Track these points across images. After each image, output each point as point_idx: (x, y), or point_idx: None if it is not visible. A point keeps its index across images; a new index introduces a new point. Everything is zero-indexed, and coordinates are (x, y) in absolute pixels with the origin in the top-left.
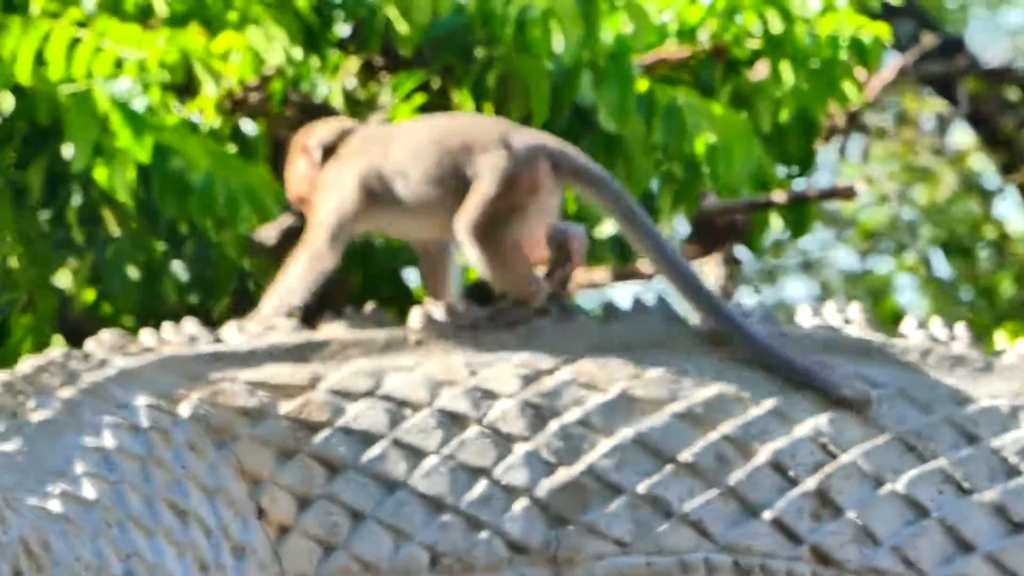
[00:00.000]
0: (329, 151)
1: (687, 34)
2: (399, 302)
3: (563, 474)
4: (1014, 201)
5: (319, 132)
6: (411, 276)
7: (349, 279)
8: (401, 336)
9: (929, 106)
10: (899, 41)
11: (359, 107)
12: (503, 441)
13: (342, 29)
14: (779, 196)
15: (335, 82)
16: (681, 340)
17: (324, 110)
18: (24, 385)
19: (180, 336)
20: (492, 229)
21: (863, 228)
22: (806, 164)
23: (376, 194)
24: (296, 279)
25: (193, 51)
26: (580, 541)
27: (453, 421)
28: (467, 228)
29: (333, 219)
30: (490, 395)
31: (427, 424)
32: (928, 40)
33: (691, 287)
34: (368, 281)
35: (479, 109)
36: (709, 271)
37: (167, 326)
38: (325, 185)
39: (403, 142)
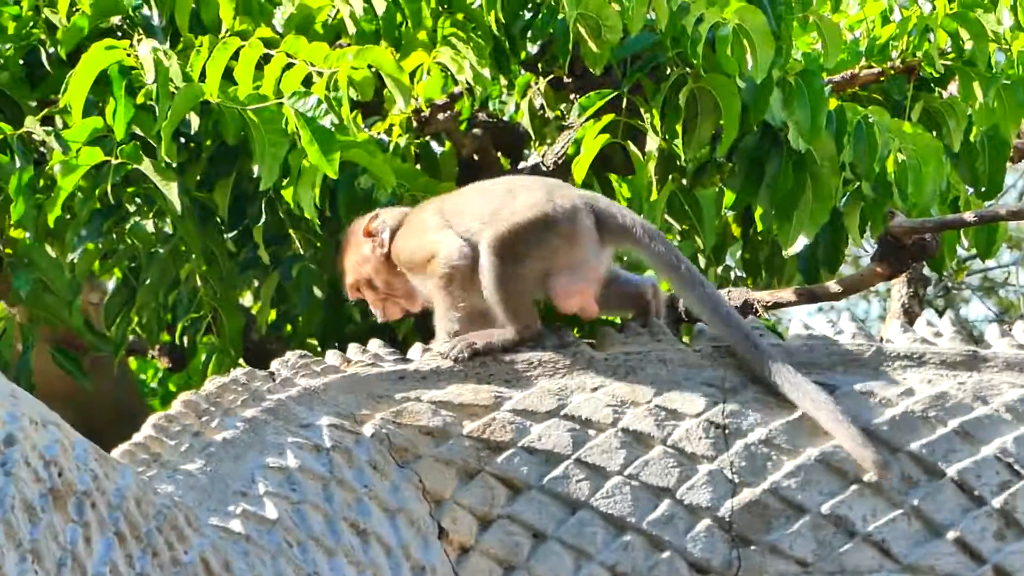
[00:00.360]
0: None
1: (878, 52)
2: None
3: (747, 494)
4: None
5: (381, 217)
6: None
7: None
8: (586, 356)
9: None
10: None
11: (546, 126)
12: (687, 461)
13: (531, 48)
14: (970, 216)
15: (523, 101)
16: (868, 359)
17: (511, 129)
18: (208, 404)
19: (364, 356)
20: (512, 249)
21: None
22: (995, 184)
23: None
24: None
25: (383, 68)
26: (762, 561)
27: (637, 441)
28: (488, 240)
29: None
30: (674, 415)
31: (610, 444)
32: None
33: (747, 341)
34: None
35: (668, 127)
36: (896, 291)
37: (352, 346)
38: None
39: (460, 194)
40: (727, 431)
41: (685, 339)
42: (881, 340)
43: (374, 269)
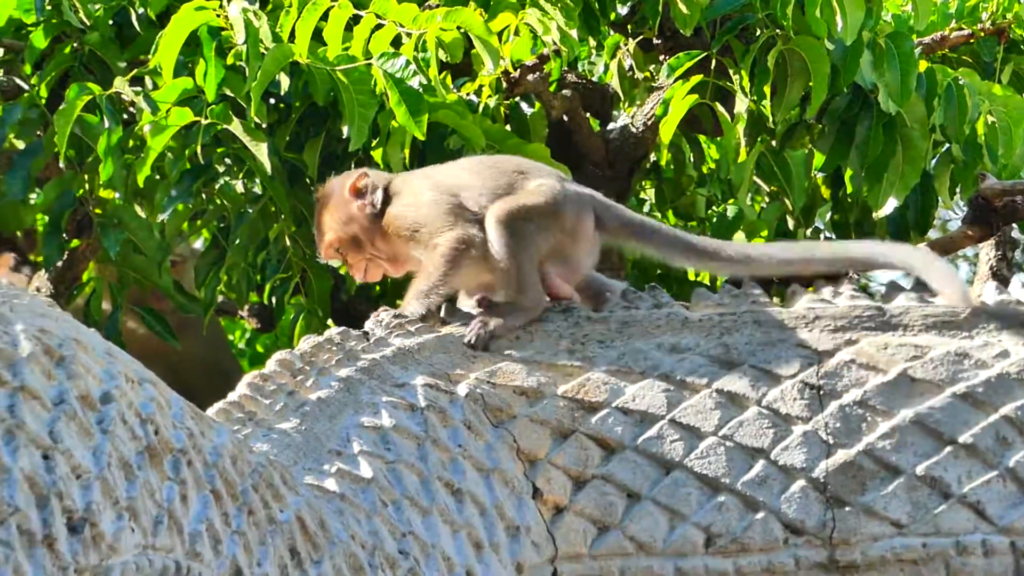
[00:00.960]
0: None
1: (968, 14)
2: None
3: (841, 455)
4: None
5: (371, 177)
6: None
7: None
8: (680, 317)
9: None
10: None
11: (635, 87)
12: (781, 422)
13: (620, 9)
14: None
15: (612, 62)
16: (962, 321)
17: (600, 90)
18: (303, 363)
19: (456, 316)
20: (521, 226)
21: None
22: None
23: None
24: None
25: (472, 30)
26: (857, 522)
27: (731, 402)
28: (497, 212)
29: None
30: (769, 376)
31: (705, 405)
32: None
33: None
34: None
35: (757, 89)
36: (985, 254)
37: (444, 306)
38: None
39: (456, 166)
40: (821, 392)
41: (778, 300)
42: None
43: (361, 229)
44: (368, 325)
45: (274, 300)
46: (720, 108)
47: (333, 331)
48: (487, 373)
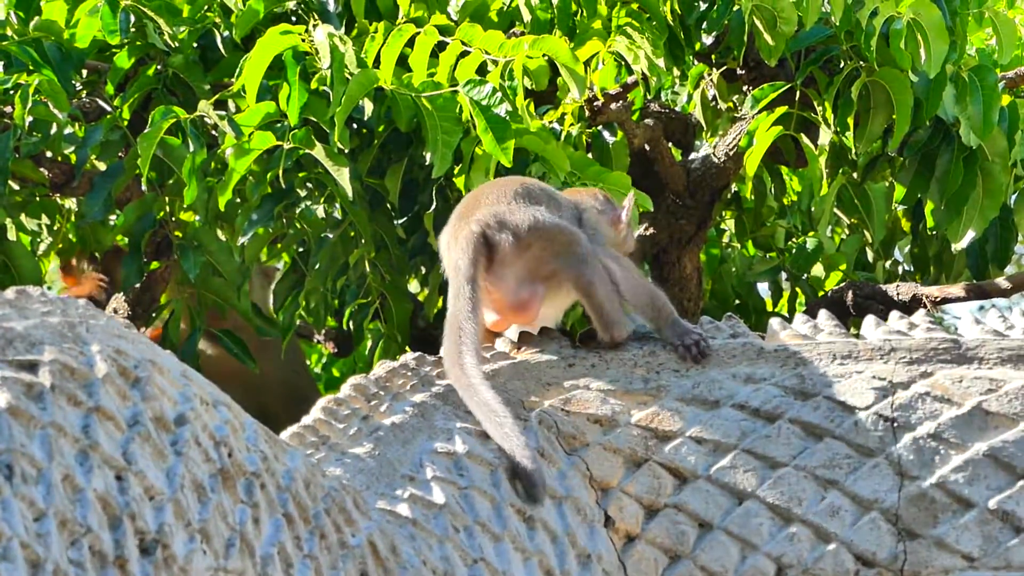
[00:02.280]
0: None
1: None
2: (749, 313)
3: (914, 487)
4: None
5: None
6: (763, 288)
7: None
8: (756, 347)
9: None
10: None
11: (718, 117)
12: (855, 453)
13: (705, 39)
14: None
15: (695, 92)
16: None
17: (683, 120)
18: (377, 388)
19: (532, 345)
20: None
21: None
22: None
23: None
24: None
25: (559, 58)
26: (928, 555)
27: (806, 432)
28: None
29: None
30: (843, 407)
31: (779, 435)
32: None
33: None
34: (719, 292)
35: (840, 120)
36: None
37: (519, 333)
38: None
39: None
40: (895, 424)
41: (854, 332)
42: None
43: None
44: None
45: (352, 325)
46: (804, 139)
47: (408, 356)
48: (561, 400)
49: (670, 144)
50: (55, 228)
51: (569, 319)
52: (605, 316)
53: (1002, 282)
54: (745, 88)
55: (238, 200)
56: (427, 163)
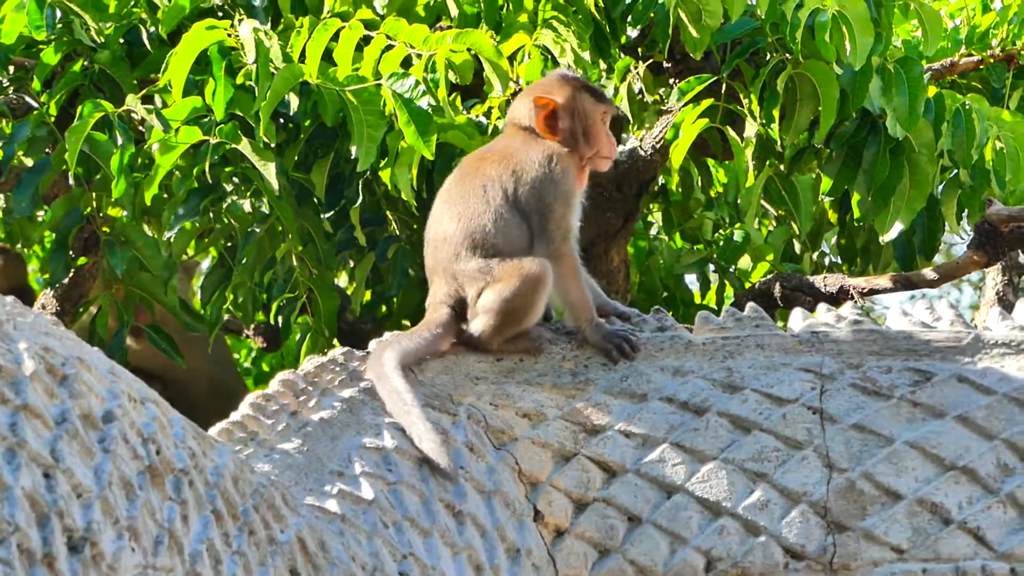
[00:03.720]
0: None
1: (978, 40)
2: (677, 305)
3: (842, 479)
4: None
5: None
6: (691, 280)
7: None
8: (684, 340)
9: None
10: None
11: (645, 110)
12: (783, 446)
13: (631, 32)
14: None
15: (622, 85)
16: (966, 347)
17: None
18: (306, 384)
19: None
20: None
21: None
22: None
23: None
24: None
25: (482, 52)
26: (857, 547)
27: (734, 425)
28: None
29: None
30: (772, 399)
31: (707, 428)
32: None
33: None
34: (647, 284)
35: (767, 113)
36: (991, 279)
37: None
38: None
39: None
40: (824, 416)
41: (781, 324)
42: (978, 328)
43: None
44: (372, 345)
45: (280, 320)
46: (730, 132)
47: (336, 351)
48: (490, 395)
49: None
50: None
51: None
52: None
53: (929, 273)
54: (671, 81)
55: (165, 195)
56: (353, 157)
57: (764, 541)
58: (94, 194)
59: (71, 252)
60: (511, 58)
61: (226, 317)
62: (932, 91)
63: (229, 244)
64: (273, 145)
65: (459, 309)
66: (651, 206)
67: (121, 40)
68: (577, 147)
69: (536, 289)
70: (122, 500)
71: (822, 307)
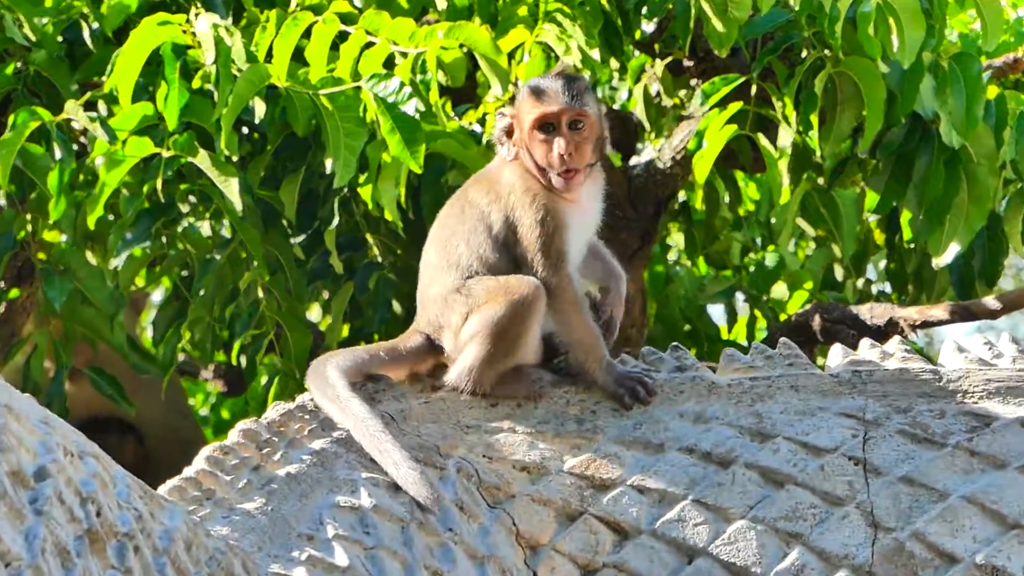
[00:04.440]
0: None
1: None
2: (701, 340)
3: (889, 540)
4: None
5: None
6: (717, 312)
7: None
8: (707, 381)
9: None
10: None
11: (663, 116)
12: (821, 502)
13: (646, 26)
14: None
15: (636, 87)
16: None
17: (623, 119)
18: (270, 434)
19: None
20: None
21: None
22: None
23: None
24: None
25: (477, 48)
26: None
27: (764, 479)
28: None
29: None
30: (807, 449)
31: (734, 482)
32: None
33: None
34: (666, 316)
35: (803, 118)
36: None
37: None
38: None
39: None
40: (867, 468)
41: (819, 363)
42: None
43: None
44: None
45: (244, 360)
46: (762, 140)
47: (306, 397)
48: (483, 445)
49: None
50: None
51: None
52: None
53: (990, 302)
54: (693, 82)
55: (111, 217)
56: (328, 172)
57: None
58: (28, 216)
59: (1, 283)
60: (509, 57)
61: (181, 357)
62: (993, 92)
63: (185, 273)
64: (236, 159)
65: (436, 339)
66: (670, 226)
67: (60, 38)
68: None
69: (527, 311)
70: (57, 569)
71: (866, 342)
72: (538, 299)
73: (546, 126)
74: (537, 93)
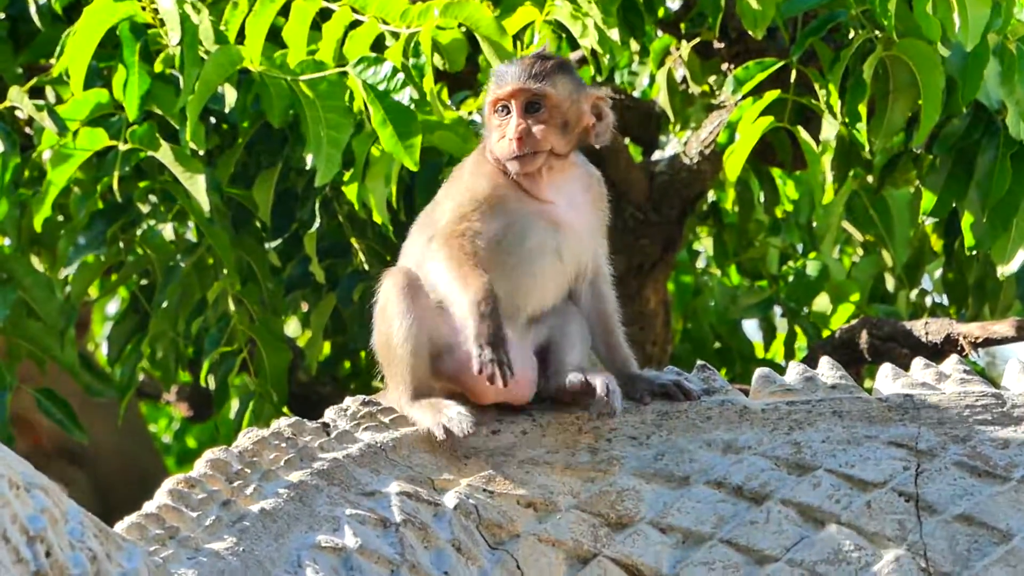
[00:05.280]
0: None
1: None
2: (733, 360)
3: None
4: None
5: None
6: (751, 327)
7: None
8: (738, 406)
9: None
10: None
11: (690, 105)
12: (868, 544)
13: (670, 3)
14: None
15: (660, 72)
16: None
17: (644, 108)
18: (242, 465)
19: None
20: None
21: None
22: None
23: None
24: None
25: (479, 27)
26: None
27: (803, 517)
28: None
29: None
30: (852, 483)
31: (769, 520)
32: None
33: None
34: (693, 332)
35: (850, 108)
36: None
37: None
38: None
39: None
40: (920, 505)
41: (867, 385)
42: None
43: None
44: (328, 415)
45: (213, 380)
46: (802, 133)
47: (282, 422)
48: (483, 478)
49: (627, 140)
50: None
51: None
52: None
53: None
54: (724, 67)
55: (60, 218)
56: (308, 168)
57: None
58: None
59: None
60: (516, 38)
61: (141, 377)
62: None
63: (145, 282)
64: (203, 153)
65: None
66: (698, 231)
67: (1, 15)
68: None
69: (387, 302)
70: None
71: (920, 362)
72: (397, 285)
73: (502, 109)
74: (496, 75)
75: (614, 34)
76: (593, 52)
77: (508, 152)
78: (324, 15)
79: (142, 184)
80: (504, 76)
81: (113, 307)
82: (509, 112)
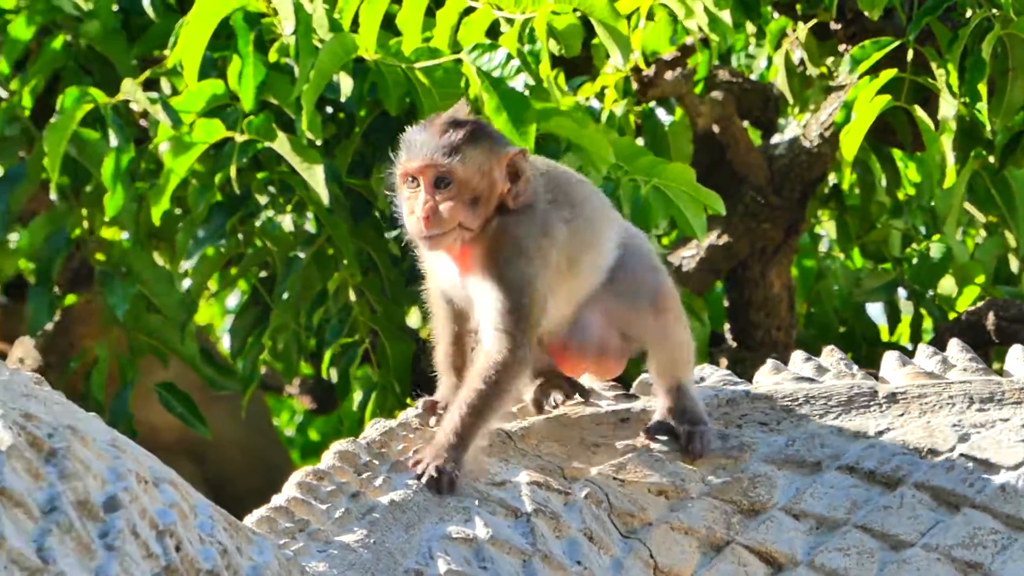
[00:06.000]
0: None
1: None
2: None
3: None
4: None
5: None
6: (876, 310)
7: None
8: (868, 390)
9: None
10: None
11: (808, 87)
12: (1003, 527)
13: None
14: None
15: (777, 54)
16: None
17: (762, 91)
18: (370, 456)
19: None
20: None
21: None
22: None
23: None
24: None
25: (594, 12)
26: None
27: (937, 501)
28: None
29: None
30: (986, 466)
31: (903, 505)
32: None
33: None
34: (818, 316)
35: (969, 87)
36: None
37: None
38: None
39: None
40: None
41: (996, 367)
42: None
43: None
44: None
45: (335, 373)
46: (920, 113)
47: (410, 413)
48: (613, 467)
49: (746, 124)
50: None
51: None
52: None
53: None
54: (842, 48)
55: (178, 211)
56: None
57: None
58: (84, 211)
59: (56, 288)
60: (629, 21)
61: (263, 371)
62: None
63: (265, 275)
64: (320, 143)
65: None
66: (820, 214)
67: (115, 7)
68: None
69: None
70: None
71: None
72: None
73: (412, 180)
74: (406, 144)
75: (727, 16)
76: (705, 36)
77: (417, 231)
78: (438, 2)
79: (260, 175)
80: (412, 147)
81: (233, 300)
82: (419, 185)
